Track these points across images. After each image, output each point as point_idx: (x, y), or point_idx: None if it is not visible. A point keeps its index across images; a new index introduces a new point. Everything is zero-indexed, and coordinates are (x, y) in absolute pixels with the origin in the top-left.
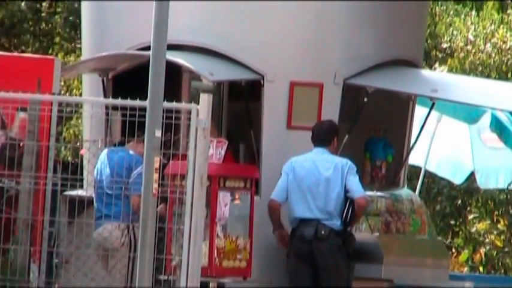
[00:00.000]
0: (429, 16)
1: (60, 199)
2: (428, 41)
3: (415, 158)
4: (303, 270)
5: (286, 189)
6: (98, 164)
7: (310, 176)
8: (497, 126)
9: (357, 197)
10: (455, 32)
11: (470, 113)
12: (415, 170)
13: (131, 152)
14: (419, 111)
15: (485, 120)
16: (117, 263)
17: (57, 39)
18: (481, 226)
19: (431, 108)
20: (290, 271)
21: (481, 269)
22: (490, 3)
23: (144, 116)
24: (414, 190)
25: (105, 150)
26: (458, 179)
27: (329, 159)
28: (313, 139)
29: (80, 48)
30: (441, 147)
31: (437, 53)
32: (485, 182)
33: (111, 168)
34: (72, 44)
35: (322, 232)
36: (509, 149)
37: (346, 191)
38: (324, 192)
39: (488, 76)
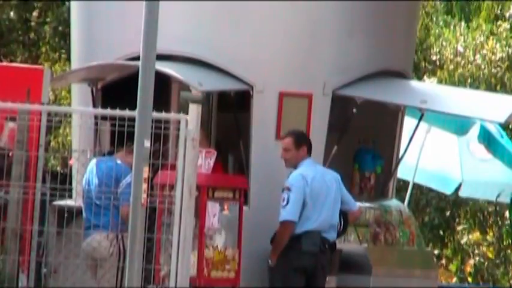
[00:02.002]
0: (419, 28)
1: (49, 209)
2: (418, 53)
3: (403, 170)
4: (300, 281)
5: (300, 207)
6: (87, 173)
7: (323, 189)
8: (485, 137)
9: (355, 209)
10: (444, 43)
11: (459, 125)
12: (404, 181)
13: (119, 161)
14: (408, 123)
15: (474, 131)
16: (106, 273)
17: (43, 49)
18: (472, 237)
19: (420, 120)
20: (283, 281)
21: (469, 279)
22: (481, 14)
23: (133, 126)
24: (403, 201)
25: (94, 160)
26: (447, 190)
27: (326, 171)
28: (311, 147)
29: (66, 58)
30: (430, 158)
31: (427, 64)
32: (473, 193)
33: (99, 178)
34: (57, 54)
35: (326, 245)
36: (497, 159)
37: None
38: (331, 205)
39: (477, 88)
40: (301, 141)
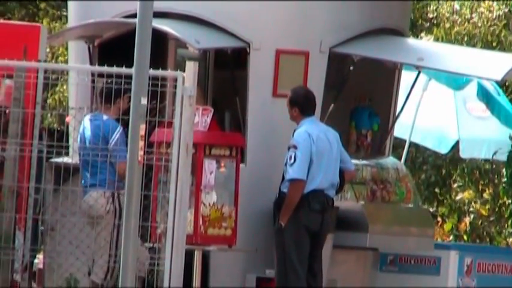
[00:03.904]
0: None
1: (46, 166)
2: (415, 11)
3: (400, 128)
4: (307, 239)
5: (307, 166)
6: (81, 130)
7: (327, 148)
8: (483, 95)
9: (352, 169)
10: (441, 1)
11: (456, 80)
12: (400, 139)
13: (105, 117)
14: (406, 78)
15: (471, 89)
16: (102, 230)
17: (42, 6)
18: (466, 195)
19: (417, 77)
20: (296, 240)
21: (465, 238)
22: None
23: (129, 84)
24: (399, 159)
25: (88, 116)
26: (443, 149)
27: (328, 130)
28: (308, 109)
29: (66, 16)
30: (426, 116)
31: (424, 22)
32: (469, 151)
33: (94, 135)
34: (58, 12)
35: (329, 203)
36: (495, 118)
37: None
38: (333, 164)
39: (474, 46)
40: (293, 102)
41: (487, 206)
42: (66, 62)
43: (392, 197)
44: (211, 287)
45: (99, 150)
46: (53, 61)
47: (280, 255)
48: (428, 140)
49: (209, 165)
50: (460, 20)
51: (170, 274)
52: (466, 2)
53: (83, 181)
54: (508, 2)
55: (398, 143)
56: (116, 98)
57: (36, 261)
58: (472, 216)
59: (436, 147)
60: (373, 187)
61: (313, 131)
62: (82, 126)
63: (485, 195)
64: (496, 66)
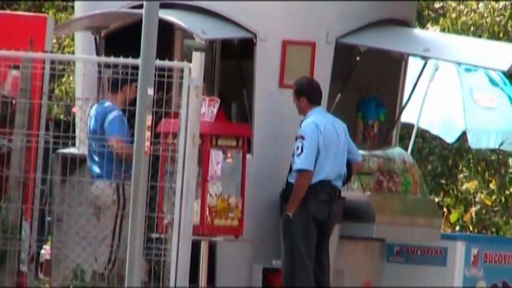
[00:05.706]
0: None
1: (53, 157)
2: (421, 1)
3: (407, 116)
4: (315, 229)
5: (315, 156)
6: (88, 121)
7: (334, 139)
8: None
9: (360, 160)
10: None
11: None
12: (407, 129)
13: (107, 103)
14: (413, 68)
15: (478, 80)
16: (109, 220)
17: None
18: (472, 186)
19: (423, 68)
20: (304, 230)
21: (471, 228)
22: None
23: (136, 74)
24: (406, 149)
25: (95, 106)
26: (450, 138)
27: (336, 121)
28: (315, 97)
29: (72, 6)
30: (433, 106)
31: (430, 12)
32: (477, 141)
33: (95, 121)
34: (64, 2)
35: (336, 194)
36: (502, 108)
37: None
38: (341, 155)
39: (480, 36)
40: (300, 92)
41: (493, 197)
42: (72, 52)
43: (399, 188)
44: (218, 278)
45: (105, 140)
46: (60, 52)
47: (287, 246)
48: (435, 130)
49: (216, 155)
50: (466, 10)
51: (177, 265)
52: None
53: (90, 171)
54: None
55: (405, 133)
56: (123, 85)
57: (42, 252)
58: (478, 206)
59: (443, 135)
60: (379, 178)
61: (321, 122)
62: (90, 117)
63: (492, 186)
64: (503, 56)
